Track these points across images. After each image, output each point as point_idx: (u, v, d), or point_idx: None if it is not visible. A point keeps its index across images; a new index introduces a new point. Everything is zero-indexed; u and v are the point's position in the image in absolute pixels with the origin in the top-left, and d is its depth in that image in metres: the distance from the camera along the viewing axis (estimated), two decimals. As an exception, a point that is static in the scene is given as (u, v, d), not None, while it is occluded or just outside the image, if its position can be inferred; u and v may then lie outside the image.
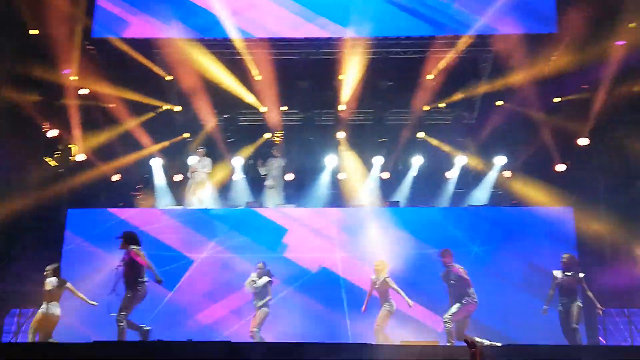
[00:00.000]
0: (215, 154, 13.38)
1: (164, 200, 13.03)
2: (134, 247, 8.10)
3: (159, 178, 13.23)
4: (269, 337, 9.64)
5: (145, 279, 8.08)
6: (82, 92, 13.11)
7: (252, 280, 9.70)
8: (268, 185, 13.03)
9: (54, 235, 11.48)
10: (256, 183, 13.66)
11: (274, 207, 12.34)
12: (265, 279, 9.70)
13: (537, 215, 11.41)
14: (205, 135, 13.78)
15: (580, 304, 8.67)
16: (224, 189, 13.38)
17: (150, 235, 11.10)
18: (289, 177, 13.30)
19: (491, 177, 13.05)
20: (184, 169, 13.26)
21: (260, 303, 9.63)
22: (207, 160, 12.90)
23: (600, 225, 11.27)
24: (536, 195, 12.05)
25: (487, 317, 9.87)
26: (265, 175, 13.19)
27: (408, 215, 11.79)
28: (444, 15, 12.14)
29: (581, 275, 8.75)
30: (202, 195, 12.62)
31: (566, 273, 8.77)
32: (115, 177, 13.43)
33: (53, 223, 11.75)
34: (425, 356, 6.83)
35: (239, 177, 13.41)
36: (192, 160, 12.83)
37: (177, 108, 13.93)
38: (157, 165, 13.27)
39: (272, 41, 12.68)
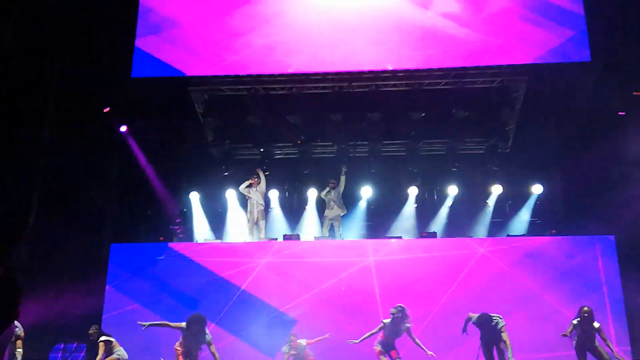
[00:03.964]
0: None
1: (203, 233, 13.20)
2: None
3: (198, 212, 13.44)
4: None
5: None
6: (121, 129, 13.50)
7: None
8: (330, 216, 12.72)
9: (98, 270, 11.69)
10: (292, 215, 13.82)
11: (312, 239, 12.39)
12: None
13: (579, 245, 11.26)
14: (241, 169, 14.03)
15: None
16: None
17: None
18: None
19: (529, 206, 12.99)
20: (222, 202, 13.48)
21: None
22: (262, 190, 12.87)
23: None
24: (576, 224, 11.93)
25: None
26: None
27: (446, 247, 11.75)
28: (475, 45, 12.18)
29: (596, 325, 8.63)
30: (262, 224, 12.61)
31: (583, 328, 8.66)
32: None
33: (96, 258, 11.98)
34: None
35: (275, 208, 13.56)
36: (253, 192, 12.71)
37: (213, 143, 14.21)
38: (195, 199, 13.49)
39: (304, 76, 12.90)
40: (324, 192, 12.87)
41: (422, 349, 8.78)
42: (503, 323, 8.45)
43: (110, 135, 13.61)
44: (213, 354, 8.09)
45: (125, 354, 9.16)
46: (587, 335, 8.58)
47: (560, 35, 11.94)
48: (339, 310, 10.90)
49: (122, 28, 12.87)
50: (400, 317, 8.83)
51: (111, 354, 8.94)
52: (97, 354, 8.98)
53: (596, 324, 8.57)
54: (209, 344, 8.15)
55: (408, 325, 8.88)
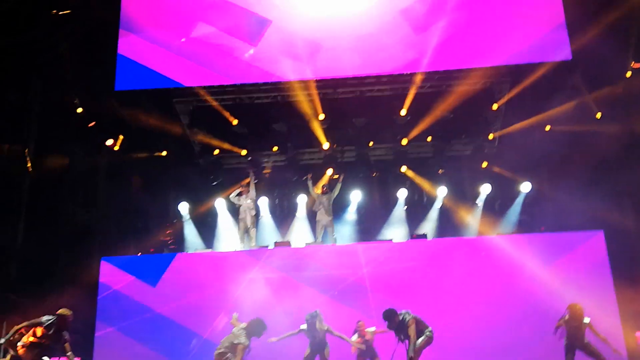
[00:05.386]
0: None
1: (194, 244, 13.15)
2: None
3: (188, 222, 13.39)
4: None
5: None
6: (108, 142, 13.44)
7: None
8: (323, 221, 12.54)
9: (88, 285, 11.60)
10: (282, 222, 13.82)
11: (304, 246, 12.38)
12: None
13: (568, 241, 11.32)
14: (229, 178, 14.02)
15: None
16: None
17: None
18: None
19: (517, 204, 13.09)
20: (211, 212, 13.46)
21: None
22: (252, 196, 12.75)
23: (633, 248, 11.18)
24: (565, 220, 12.00)
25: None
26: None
27: (436, 248, 11.79)
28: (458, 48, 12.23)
29: (587, 320, 8.67)
30: (253, 232, 12.53)
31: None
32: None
33: (87, 272, 11.87)
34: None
35: (265, 216, 13.54)
36: (243, 199, 12.52)
37: (200, 153, 14.16)
38: (185, 210, 13.44)
39: (288, 84, 12.87)
40: (313, 190, 12.75)
41: (347, 340, 9.31)
42: (409, 317, 8.25)
43: (96, 150, 13.56)
44: None
45: None
46: (576, 333, 8.60)
47: (541, 36, 12.02)
48: (332, 313, 10.84)
49: (105, 42, 12.81)
50: (314, 322, 9.23)
51: None
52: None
53: (586, 319, 8.59)
54: None
55: (325, 328, 9.27)
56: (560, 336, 8.77)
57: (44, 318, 8.28)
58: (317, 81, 12.87)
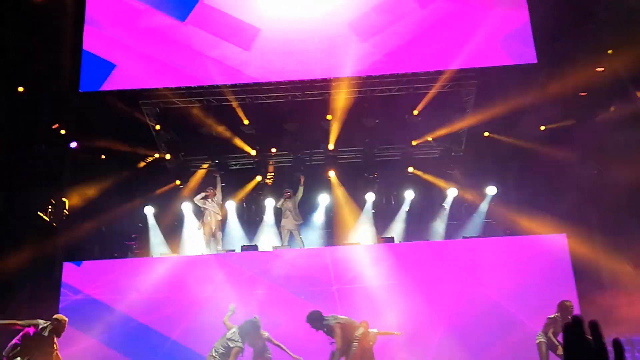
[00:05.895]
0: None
1: (159, 248, 12.97)
2: None
3: (153, 226, 13.21)
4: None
5: None
6: (72, 145, 13.21)
7: None
8: (288, 226, 12.59)
9: (51, 289, 11.36)
10: (249, 226, 13.72)
11: (271, 249, 12.30)
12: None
13: (532, 244, 11.42)
14: (197, 181, 13.88)
15: None
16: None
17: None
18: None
19: (483, 207, 13.17)
20: (177, 215, 13.30)
21: None
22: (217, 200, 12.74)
23: (595, 251, 11.32)
24: (529, 224, 12.11)
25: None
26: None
27: (403, 251, 11.82)
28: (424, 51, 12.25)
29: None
30: (219, 236, 12.47)
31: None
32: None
33: (49, 277, 11.64)
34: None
35: (233, 220, 13.43)
36: (209, 203, 12.54)
37: (167, 156, 13.97)
38: (150, 213, 13.26)
39: (257, 86, 12.82)
40: (279, 202, 12.84)
41: (287, 352, 8.91)
42: (333, 322, 8.18)
43: (60, 152, 13.31)
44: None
45: None
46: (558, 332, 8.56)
47: (506, 38, 12.11)
48: (299, 319, 10.78)
49: (69, 43, 12.58)
50: (255, 328, 8.93)
51: None
52: None
53: None
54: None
55: (265, 335, 8.96)
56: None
57: (40, 320, 8.13)
58: (285, 83, 12.80)
